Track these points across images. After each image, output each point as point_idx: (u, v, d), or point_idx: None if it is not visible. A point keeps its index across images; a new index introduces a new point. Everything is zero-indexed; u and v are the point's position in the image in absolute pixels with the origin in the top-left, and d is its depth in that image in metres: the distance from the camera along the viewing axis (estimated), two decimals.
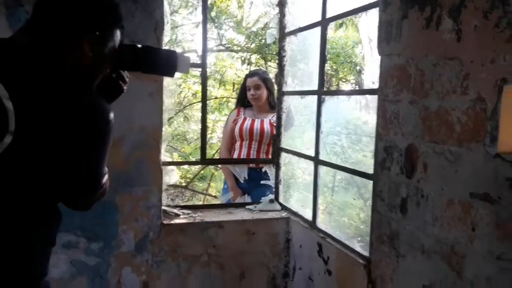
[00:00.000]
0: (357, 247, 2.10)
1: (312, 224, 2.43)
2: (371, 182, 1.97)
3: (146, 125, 2.34)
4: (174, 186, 6.13)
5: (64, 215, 2.31)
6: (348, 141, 5.26)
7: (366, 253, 2.01)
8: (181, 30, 5.69)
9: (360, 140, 5.25)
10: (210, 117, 6.25)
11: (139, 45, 1.33)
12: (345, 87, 5.22)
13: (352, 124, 5.29)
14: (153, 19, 2.32)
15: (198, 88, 6.06)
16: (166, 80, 2.51)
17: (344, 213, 5.65)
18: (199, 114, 7.45)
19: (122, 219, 2.34)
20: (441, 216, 1.54)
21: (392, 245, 1.81)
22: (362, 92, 2.30)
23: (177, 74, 1.52)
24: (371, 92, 1.97)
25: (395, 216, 1.79)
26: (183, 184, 5.99)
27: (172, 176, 2.72)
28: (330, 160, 4.79)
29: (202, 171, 5.83)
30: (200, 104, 7.36)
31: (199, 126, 7.14)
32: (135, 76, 2.39)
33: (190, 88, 5.83)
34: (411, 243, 1.70)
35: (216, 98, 5.70)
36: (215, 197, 5.73)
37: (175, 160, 6.80)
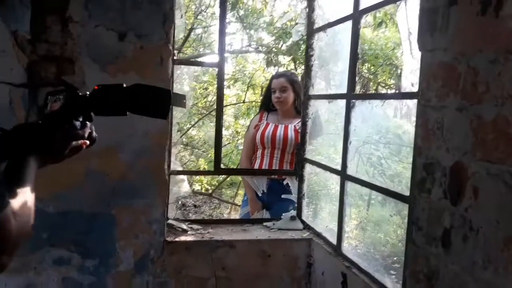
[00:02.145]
0: (388, 283, 1.75)
1: (337, 249, 2.09)
2: (407, 205, 1.62)
3: (150, 129, 2.09)
4: (200, 193, 5.92)
5: (55, 226, 2.12)
6: (386, 151, 4.86)
7: None
8: (212, 31, 5.47)
9: (399, 150, 4.84)
10: (240, 121, 6.00)
11: (125, 85, 1.06)
12: (384, 92, 4.81)
13: (391, 133, 4.88)
14: (161, 11, 2.07)
15: (228, 91, 5.83)
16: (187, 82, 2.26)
17: (380, 229, 5.23)
18: (230, 119, 7.24)
19: (121, 235, 2.09)
20: (496, 257, 1.19)
21: (430, 286, 1.45)
22: (398, 96, 1.95)
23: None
24: (409, 96, 1.63)
25: (435, 250, 1.44)
26: (210, 191, 5.76)
27: (182, 186, 2.46)
28: (366, 172, 4.38)
29: (228, 178, 5.56)
30: (232, 109, 7.17)
31: (229, 131, 6.94)
32: (139, 74, 2.16)
33: None
34: (454, 286, 1.35)
35: (244, 102, 5.43)
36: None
37: (201, 166, 6.63)
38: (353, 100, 2.01)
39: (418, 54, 1.56)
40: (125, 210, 2.08)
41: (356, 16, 2.00)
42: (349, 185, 2.08)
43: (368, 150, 4.86)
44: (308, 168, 2.55)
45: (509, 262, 1.15)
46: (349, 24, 2.06)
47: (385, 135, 5.17)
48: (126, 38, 2.03)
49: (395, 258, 4.70)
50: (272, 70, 4.29)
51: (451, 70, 1.37)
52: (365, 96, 2.35)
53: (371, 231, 5.31)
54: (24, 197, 0.83)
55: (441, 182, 1.41)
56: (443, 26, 1.41)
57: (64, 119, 1.01)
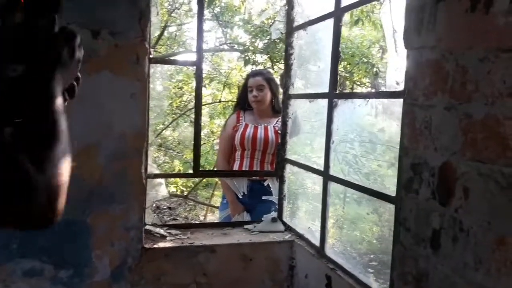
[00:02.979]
0: (374, 285, 1.73)
1: (320, 250, 2.06)
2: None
3: (127, 131, 2.00)
4: (175, 195, 5.80)
5: (26, 236, 2.00)
6: (362, 150, 4.87)
7: None
8: (187, 29, 5.37)
9: (375, 148, 4.87)
10: (216, 121, 5.92)
11: None
12: (360, 91, 4.82)
13: (366, 131, 4.90)
14: (137, 8, 1.98)
15: (203, 91, 5.73)
16: (161, 82, 2.18)
17: (356, 227, 5.25)
18: (205, 119, 7.13)
19: (96, 243, 1.99)
20: (488, 258, 1.17)
21: None
22: (384, 95, 1.92)
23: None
24: (395, 95, 1.60)
25: (423, 251, 1.42)
26: (186, 193, 5.65)
27: (160, 190, 2.37)
28: (341, 170, 4.38)
29: (204, 179, 5.47)
30: (207, 108, 7.06)
31: (205, 131, 6.84)
32: (113, 73, 2.07)
33: (193, 90, 5.48)
34: None
35: (220, 101, 5.35)
36: (217, 208, 5.37)
37: (176, 167, 6.50)
38: (335, 100, 1.98)
39: (403, 52, 1.53)
40: (101, 216, 1.99)
41: (337, 14, 1.96)
42: (331, 186, 2.05)
43: (344, 149, 4.87)
44: (289, 168, 2.51)
45: (501, 263, 1.13)
46: (330, 22, 2.03)
47: (360, 133, 5.19)
48: (100, 35, 1.94)
49: (371, 256, 4.74)
50: (249, 69, 4.23)
51: (438, 68, 1.35)
52: (348, 96, 2.33)
53: (347, 229, 5.33)
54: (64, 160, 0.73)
55: (429, 182, 1.39)
56: (430, 24, 1.39)
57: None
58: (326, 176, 2.03)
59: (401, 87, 1.55)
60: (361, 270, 1.92)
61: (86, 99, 1.93)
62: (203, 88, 6.24)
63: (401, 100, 1.54)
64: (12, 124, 0.79)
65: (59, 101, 0.83)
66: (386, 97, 1.78)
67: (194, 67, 2.30)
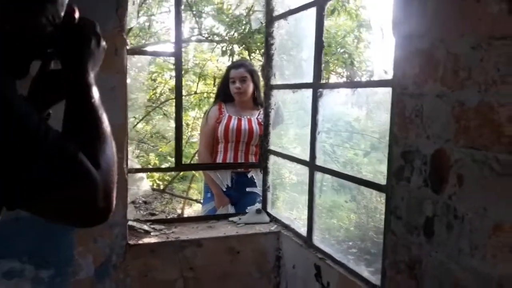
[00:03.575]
0: (365, 273, 1.74)
1: (307, 241, 2.06)
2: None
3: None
4: (153, 189, 5.70)
5: (4, 236, 1.91)
6: (338, 139, 4.92)
7: (377, 281, 1.64)
8: (157, 19, 5.24)
9: (351, 138, 4.92)
10: (190, 114, 5.83)
11: None
12: (336, 81, 4.85)
13: (342, 120, 4.95)
14: None
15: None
16: (132, 74, 2.11)
17: (333, 216, 5.31)
18: None
19: (78, 240, 1.93)
20: (484, 244, 1.18)
21: (413, 275, 1.44)
22: (372, 84, 1.92)
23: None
24: (383, 83, 1.60)
25: (416, 239, 1.43)
26: (162, 186, 5.56)
27: (141, 185, 2.32)
28: (320, 159, 4.40)
29: (181, 172, 5.40)
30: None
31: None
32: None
33: (168, 82, 5.37)
34: (438, 275, 1.34)
35: (195, 93, 5.26)
36: (195, 201, 5.32)
37: (152, 161, 6.39)
38: (321, 90, 1.97)
39: (391, 41, 1.53)
40: None
41: (320, 3, 1.94)
42: (317, 176, 2.05)
43: (321, 139, 4.90)
44: (273, 159, 2.49)
45: (497, 249, 1.15)
46: (312, 11, 2.00)
47: (336, 122, 5.24)
48: None
49: (350, 243, 4.80)
50: (226, 60, 4.17)
51: (429, 57, 1.35)
52: (334, 86, 2.32)
53: (325, 217, 5.39)
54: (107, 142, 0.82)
55: (421, 170, 1.40)
56: (420, 11, 1.38)
57: None
58: (312, 166, 2.02)
59: (389, 76, 1.55)
60: (349, 259, 1.94)
61: None
62: (174, 80, 6.15)
63: (389, 89, 1.54)
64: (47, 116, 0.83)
65: (96, 93, 0.88)
66: (374, 86, 1.78)
67: (171, 58, 2.25)
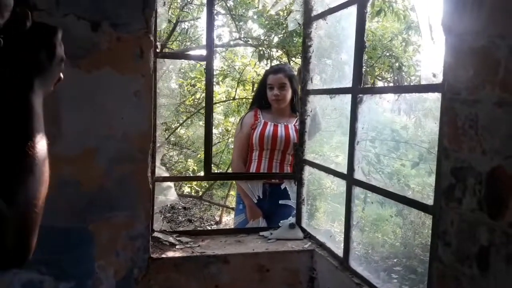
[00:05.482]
0: None
1: (343, 262, 1.87)
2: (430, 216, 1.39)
3: (130, 132, 1.83)
4: (190, 196, 5.65)
5: None
6: (383, 149, 4.64)
7: None
8: (198, 25, 5.19)
9: (397, 147, 4.63)
10: (230, 119, 5.75)
11: None
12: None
13: (388, 128, 4.67)
14: None
15: (217, 88, 5.55)
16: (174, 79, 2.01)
17: (378, 230, 5.03)
18: (220, 117, 6.97)
19: (99, 253, 1.84)
20: None
21: None
22: (419, 88, 1.71)
23: None
24: (431, 88, 1.40)
25: (467, 271, 1.21)
26: (200, 193, 5.49)
27: (169, 194, 2.21)
28: (362, 170, 4.15)
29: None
30: (221, 106, 6.90)
31: (219, 129, 6.68)
32: (115, 69, 1.91)
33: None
34: None
35: (234, 99, 5.16)
36: (232, 209, 5.20)
37: (190, 167, 6.35)
38: (360, 95, 1.78)
39: (441, 40, 1.33)
40: (103, 224, 1.83)
41: (361, 0, 1.76)
42: (355, 191, 1.86)
43: (365, 147, 4.65)
44: (308, 170, 2.31)
45: None
46: (353, 9, 1.83)
47: (381, 131, 4.96)
48: (100, 28, 1.77)
49: (395, 260, 4.51)
50: (264, 65, 4.03)
51: (486, 57, 1.14)
52: (375, 90, 2.12)
53: (368, 231, 5.11)
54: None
55: (475, 191, 1.19)
56: (475, 5, 1.18)
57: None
58: (350, 180, 1.83)
59: (438, 80, 1.35)
60: (393, 278, 1.73)
61: (85, 98, 1.78)
62: (217, 86, 6.11)
63: (438, 94, 1.34)
64: None
65: (37, 116, 0.70)
66: (420, 92, 1.57)
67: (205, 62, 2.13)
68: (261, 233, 2.25)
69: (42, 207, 0.68)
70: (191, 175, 5.85)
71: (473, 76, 1.19)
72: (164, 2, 2.09)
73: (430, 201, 1.39)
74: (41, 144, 0.69)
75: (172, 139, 6.09)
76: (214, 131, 6.49)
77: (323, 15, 2.13)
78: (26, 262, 0.67)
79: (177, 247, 2.03)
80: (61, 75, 0.83)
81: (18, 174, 0.65)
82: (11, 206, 0.62)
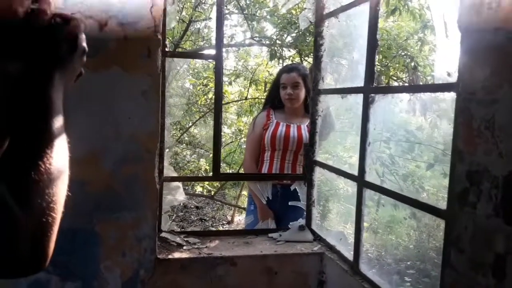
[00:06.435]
0: None
1: (354, 266, 1.82)
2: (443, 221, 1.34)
3: (138, 132, 1.81)
4: (201, 195, 5.64)
5: None
6: (398, 150, 4.56)
7: None
8: (211, 24, 5.16)
9: (412, 148, 4.54)
10: (243, 119, 5.72)
11: None
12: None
13: (403, 129, 4.58)
14: None
15: (230, 88, 5.53)
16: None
17: (392, 232, 4.94)
18: (232, 117, 6.95)
19: (105, 253, 1.82)
20: None
21: None
22: (432, 88, 1.65)
23: None
24: (446, 88, 1.34)
25: (482, 280, 1.16)
26: (213, 192, 5.47)
27: (177, 194, 2.18)
28: (376, 171, 4.07)
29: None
30: (233, 106, 6.87)
31: (232, 129, 6.66)
32: (123, 68, 1.89)
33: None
34: None
35: (246, 99, 5.12)
36: (244, 209, 5.17)
37: (202, 167, 6.34)
38: (372, 95, 1.73)
39: (456, 38, 1.28)
40: (110, 225, 1.81)
41: None
42: (367, 193, 1.81)
43: (379, 148, 4.57)
44: (319, 171, 2.27)
45: None
46: (365, 6, 1.78)
47: (396, 131, 4.88)
48: (107, 26, 1.75)
49: (408, 263, 4.43)
50: (276, 64, 3.98)
51: (504, 54, 1.09)
52: (387, 90, 2.07)
53: (382, 233, 5.03)
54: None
55: (490, 195, 1.13)
56: (494, 1, 1.12)
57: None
58: (361, 182, 1.78)
59: (453, 79, 1.29)
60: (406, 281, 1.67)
61: (91, 98, 1.76)
62: (229, 86, 6.09)
63: (453, 94, 1.29)
64: None
65: (57, 112, 0.67)
66: (433, 91, 1.51)
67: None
68: (270, 235, 2.22)
69: (60, 211, 0.64)
70: (203, 174, 5.84)
71: (490, 75, 1.13)
72: (173, 1, 2.07)
73: (444, 204, 1.33)
74: (60, 141, 0.66)
75: (186, 138, 6.08)
76: (227, 130, 6.47)
77: (335, 13, 2.09)
78: (43, 269, 0.63)
79: (184, 248, 2.01)
80: (82, 69, 0.80)
81: (33, 176, 0.61)
82: (26, 209, 0.58)
